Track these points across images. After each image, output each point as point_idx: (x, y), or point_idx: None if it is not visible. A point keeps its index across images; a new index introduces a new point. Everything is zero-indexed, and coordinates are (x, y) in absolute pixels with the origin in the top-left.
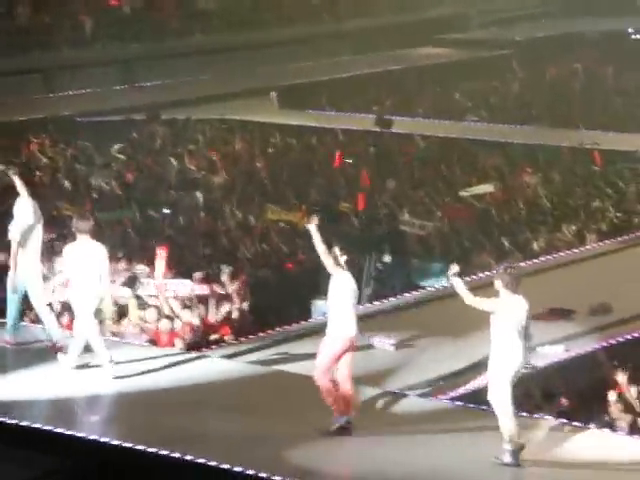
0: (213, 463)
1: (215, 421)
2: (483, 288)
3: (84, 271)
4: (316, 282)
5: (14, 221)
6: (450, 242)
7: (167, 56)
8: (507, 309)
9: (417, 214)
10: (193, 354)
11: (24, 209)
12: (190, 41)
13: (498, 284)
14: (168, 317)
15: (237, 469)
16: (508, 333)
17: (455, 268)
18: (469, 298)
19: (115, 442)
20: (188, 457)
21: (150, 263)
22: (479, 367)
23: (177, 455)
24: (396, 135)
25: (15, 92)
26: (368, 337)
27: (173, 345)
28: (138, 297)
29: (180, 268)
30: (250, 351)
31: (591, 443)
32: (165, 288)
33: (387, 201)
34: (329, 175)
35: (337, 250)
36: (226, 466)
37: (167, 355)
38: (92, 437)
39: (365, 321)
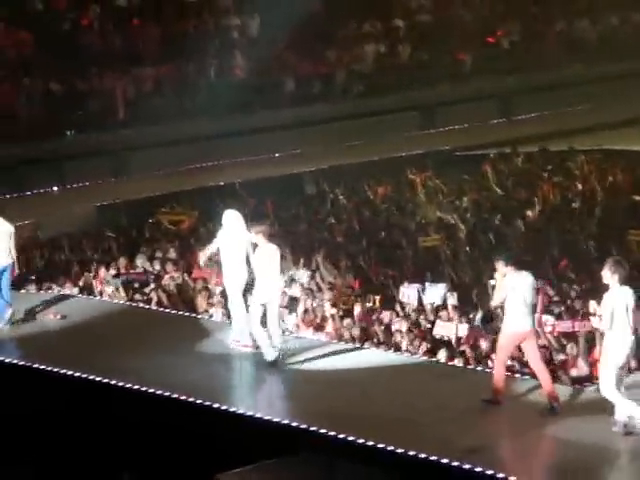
0: None
1: None
2: None
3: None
4: None
5: (222, 230)
6: None
7: (545, 88)
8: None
9: None
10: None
11: (233, 221)
12: (569, 71)
13: (612, 278)
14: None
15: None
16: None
17: None
18: None
19: None
20: None
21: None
22: None
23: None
24: None
25: (393, 129)
26: None
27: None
28: None
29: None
30: None
31: None
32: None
33: None
34: None
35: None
36: None
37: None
38: None
39: None
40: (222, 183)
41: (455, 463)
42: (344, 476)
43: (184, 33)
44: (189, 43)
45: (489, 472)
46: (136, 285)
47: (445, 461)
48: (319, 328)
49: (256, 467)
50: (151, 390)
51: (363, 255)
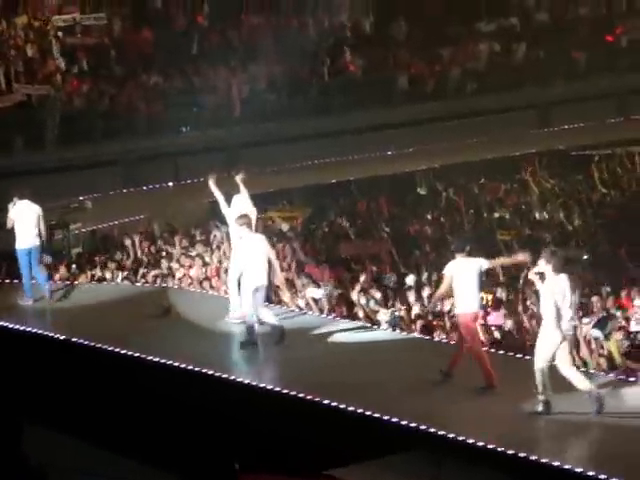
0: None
1: None
2: None
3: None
4: None
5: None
6: None
7: None
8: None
9: None
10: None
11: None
12: None
13: (547, 267)
14: None
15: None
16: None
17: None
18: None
19: None
20: None
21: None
22: None
23: None
24: None
25: (506, 127)
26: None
27: None
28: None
29: None
30: None
31: None
32: None
33: None
34: None
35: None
36: None
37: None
38: None
39: None
40: (334, 181)
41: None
42: (452, 475)
43: (297, 30)
44: (302, 40)
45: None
46: None
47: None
48: (429, 327)
49: (366, 464)
50: (254, 383)
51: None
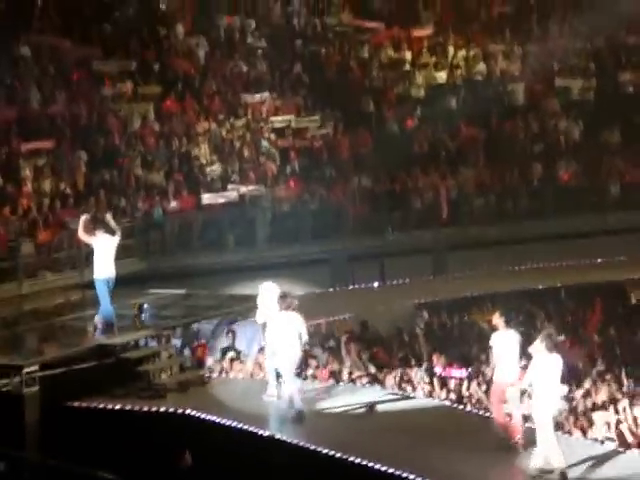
0: None
1: None
2: None
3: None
4: None
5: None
6: None
7: None
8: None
9: None
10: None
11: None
12: None
13: (541, 346)
14: None
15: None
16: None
17: None
18: None
19: None
20: None
21: None
22: None
23: None
24: None
25: None
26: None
27: None
28: None
29: None
30: None
31: None
32: None
33: None
34: None
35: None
36: None
37: None
38: None
39: None
40: (540, 287)
41: None
42: None
43: (509, 136)
44: (513, 145)
45: None
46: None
47: None
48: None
49: None
50: None
51: None
